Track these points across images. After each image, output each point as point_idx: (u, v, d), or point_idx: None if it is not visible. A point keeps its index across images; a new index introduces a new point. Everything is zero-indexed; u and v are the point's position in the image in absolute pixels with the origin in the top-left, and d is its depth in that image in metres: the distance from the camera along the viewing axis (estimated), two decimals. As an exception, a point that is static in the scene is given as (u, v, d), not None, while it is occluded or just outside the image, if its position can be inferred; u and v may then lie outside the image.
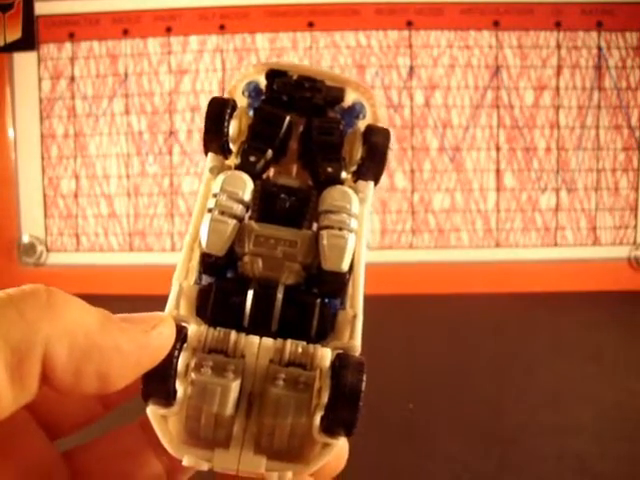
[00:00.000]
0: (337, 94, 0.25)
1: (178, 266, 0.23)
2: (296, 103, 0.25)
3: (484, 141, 0.61)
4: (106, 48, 0.62)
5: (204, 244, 0.23)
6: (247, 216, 0.24)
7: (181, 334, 0.21)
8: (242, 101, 0.26)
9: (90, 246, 0.63)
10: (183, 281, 0.23)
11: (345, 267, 0.22)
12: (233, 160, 0.25)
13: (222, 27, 0.62)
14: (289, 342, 0.22)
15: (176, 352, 0.21)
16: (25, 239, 0.63)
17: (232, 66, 0.62)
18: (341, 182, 0.24)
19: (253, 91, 0.26)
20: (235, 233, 0.23)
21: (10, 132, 0.62)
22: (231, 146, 0.25)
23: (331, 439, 0.21)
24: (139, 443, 0.25)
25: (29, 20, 0.62)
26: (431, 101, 0.61)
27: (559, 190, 0.61)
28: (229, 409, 0.21)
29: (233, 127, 0.25)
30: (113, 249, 0.63)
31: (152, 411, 0.21)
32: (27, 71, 0.62)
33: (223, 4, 0.61)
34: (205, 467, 0.21)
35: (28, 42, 0.62)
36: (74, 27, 0.62)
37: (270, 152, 0.24)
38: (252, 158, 0.24)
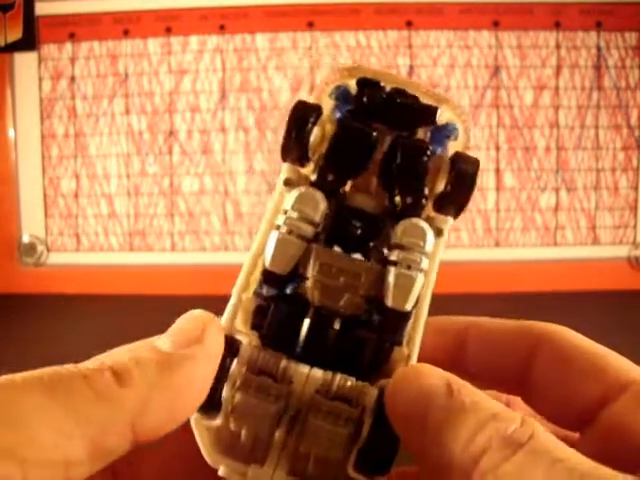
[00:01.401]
0: (431, 113, 0.23)
1: (239, 278, 0.23)
2: (388, 118, 0.23)
3: (484, 141, 0.61)
4: (106, 48, 0.62)
5: (268, 261, 0.22)
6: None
7: (233, 348, 0.21)
8: (327, 104, 0.24)
9: (90, 246, 0.63)
10: (242, 293, 0.23)
11: (409, 307, 0.22)
12: (309, 170, 0.23)
13: (222, 27, 0.62)
14: (338, 377, 0.21)
15: (227, 364, 0.21)
16: (25, 239, 0.63)
17: (232, 66, 0.62)
18: (419, 214, 0.23)
19: (341, 96, 0.24)
20: (300, 254, 0.22)
21: (11, 132, 0.62)
22: (309, 154, 0.23)
23: (364, 477, 0.21)
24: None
25: (30, 20, 0.62)
26: (431, 101, 0.61)
27: (559, 190, 0.62)
28: (267, 431, 0.21)
29: (315, 135, 0.23)
30: (113, 249, 0.63)
31: (196, 420, 0.21)
32: (28, 71, 0.62)
33: (223, 4, 0.62)
34: None
35: (29, 42, 0.62)
36: (74, 27, 0.62)
37: (354, 173, 0.23)
38: (330, 177, 0.23)
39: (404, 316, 0.22)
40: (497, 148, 0.61)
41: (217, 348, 0.21)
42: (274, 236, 0.22)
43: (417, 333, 0.22)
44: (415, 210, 0.23)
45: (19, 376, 0.18)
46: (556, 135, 0.61)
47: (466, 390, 0.20)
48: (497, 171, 0.61)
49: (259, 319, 0.22)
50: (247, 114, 0.62)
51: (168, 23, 0.62)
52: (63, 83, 0.63)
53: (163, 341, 0.20)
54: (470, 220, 0.61)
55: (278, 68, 0.62)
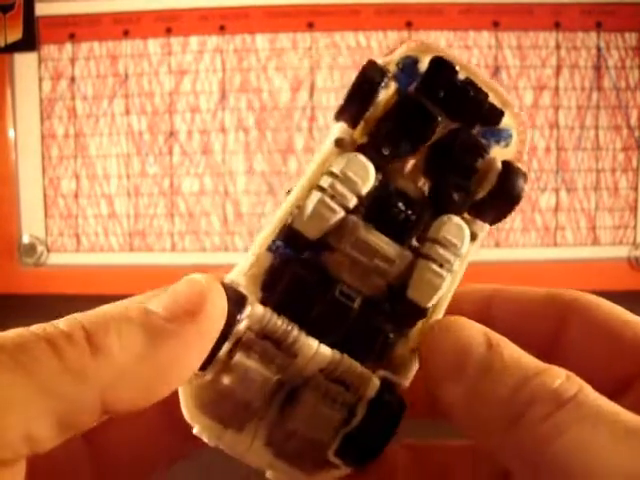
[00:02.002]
0: (496, 116, 0.22)
1: (267, 231, 0.21)
2: (452, 106, 0.22)
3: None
4: (106, 49, 0.62)
5: (299, 221, 0.21)
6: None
7: (240, 303, 0.20)
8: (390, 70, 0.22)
9: (90, 246, 0.63)
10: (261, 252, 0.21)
11: (429, 305, 0.21)
12: (359, 134, 0.22)
13: (222, 28, 0.62)
14: (346, 359, 0.21)
15: (231, 320, 0.20)
16: (25, 239, 0.63)
17: (232, 66, 0.62)
18: (460, 213, 0.22)
19: (408, 67, 0.22)
20: (336, 223, 0.21)
21: (10, 132, 0.62)
22: (364, 116, 0.22)
23: (342, 464, 0.21)
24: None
25: (30, 21, 0.62)
26: (431, 101, 0.61)
27: (559, 190, 0.62)
28: (258, 400, 0.20)
29: (379, 98, 0.21)
30: (113, 249, 0.63)
31: None
32: (28, 72, 0.62)
33: (223, 5, 0.62)
34: (212, 443, 0.21)
35: (29, 43, 0.62)
36: (75, 28, 0.62)
37: (404, 151, 0.22)
38: (385, 151, 0.21)
39: (421, 312, 0.21)
40: (497, 148, 0.61)
41: (215, 326, 0.19)
42: (315, 197, 0.21)
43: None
44: (458, 208, 0.22)
45: None
46: (556, 135, 0.61)
47: (505, 344, 0.19)
48: (497, 171, 0.61)
49: (271, 280, 0.21)
50: (247, 114, 0.62)
51: (168, 23, 0.62)
52: (63, 83, 0.63)
53: (156, 305, 0.18)
54: (470, 220, 0.61)
55: (278, 68, 0.62)
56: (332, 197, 0.21)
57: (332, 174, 0.21)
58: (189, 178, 0.63)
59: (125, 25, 0.62)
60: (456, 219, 0.21)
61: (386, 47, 0.61)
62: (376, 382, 0.21)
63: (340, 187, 0.21)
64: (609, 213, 0.62)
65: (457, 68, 0.22)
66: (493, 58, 0.61)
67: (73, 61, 0.63)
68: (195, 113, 0.62)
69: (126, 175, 0.63)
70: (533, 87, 0.61)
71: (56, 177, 0.63)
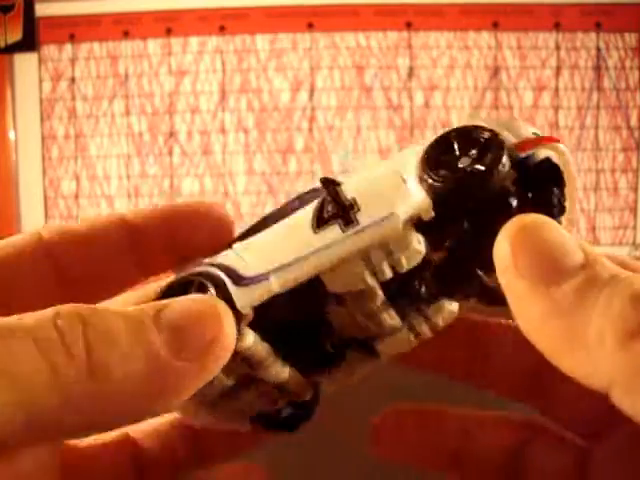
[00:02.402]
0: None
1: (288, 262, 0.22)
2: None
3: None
4: (106, 49, 0.62)
5: (328, 278, 0.22)
6: None
7: (235, 322, 0.20)
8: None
9: (91, 247, 0.63)
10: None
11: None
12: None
13: (222, 28, 0.62)
14: (298, 378, 0.23)
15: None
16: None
17: (232, 67, 0.62)
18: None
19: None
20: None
21: (11, 133, 0.62)
22: None
23: (257, 427, 0.24)
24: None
25: (30, 21, 0.62)
26: (431, 102, 0.61)
27: (558, 190, 0.62)
28: (213, 395, 0.22)
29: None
30: (114, 250, 0.63)
31: None
32: (28, 72, 0.62)
33: (223, 5, 0.62)
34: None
35: (29, 43, 0.62)
36: (74, 28, 0.62)
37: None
38: (447, 242, 0.22)
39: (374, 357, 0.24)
40: (497, 149, 0.61)
41: (220, 364, 0.18)
42: (357, 268, 0.21)
43: None
44: (468, 295, 0.23)
45: None
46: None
47: (601, 258, 0.18)
48: (497, 172, 0.62)
49: (270, 305, 0.21)
50: (247, 115, 0.62)
51: (168, 24, 0.62)
52: (63, 84, 0.63)
53: (164, 337, 0.17)
54: (470, 221, 0.62)
55: (278, 69, 0.62)
56: (373, 273, 0.21)
57: (387, 250, 0.21)
58: (189, 179, 0.63)
59: (125, 26, 0.62)
60: (455, 307, 0.23)
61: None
62: (309, 394, 0.23)
63: (386, 267, 0.21)
64: (609, 213, 0.62)
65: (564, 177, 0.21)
66: (493, 58, 0.61)
67: (73, 62, 0.63)
68: (195, 114, 0.62)
69: (126, 176, 0.63)
70: (533, 87, 0.61)
71: (56, 178, 0.63)
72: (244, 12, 0.62)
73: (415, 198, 0.21)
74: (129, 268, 0.23)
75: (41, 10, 0.62)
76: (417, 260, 0.21)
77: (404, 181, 0.21)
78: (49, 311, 0.16)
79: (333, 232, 0.21)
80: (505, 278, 0.18)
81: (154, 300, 0.20)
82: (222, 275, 0.21)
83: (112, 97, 0.63)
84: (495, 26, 0.61)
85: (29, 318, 0.16)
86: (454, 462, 0.25)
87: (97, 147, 0.63)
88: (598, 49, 0.61)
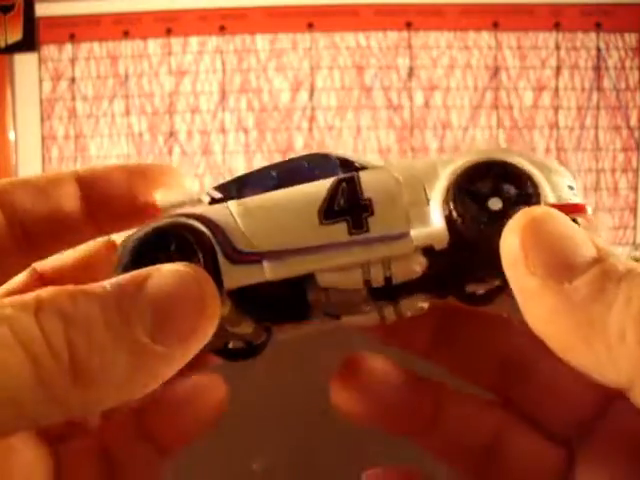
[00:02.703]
0: None
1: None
2: None
3: (484, 142, 0.61)
4: (106, 49, 0.62)
5: (326, 276, 0.22)
6: None
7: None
8: None
9: (91, 247, 0.63)
10: None
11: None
12: None
13: (222, 28, 0.62)
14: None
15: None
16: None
17: (232, 67, 0.62)
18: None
19: None
20: None
21: (11, 133, 0.62)
22: None
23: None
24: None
25: (30, 21, 0.62)
26: (431, 102, 0.61)
27: (558, 190, 0.62)
28: None
29: None
30: (114, 250, 0.63)
31: None
32: (28, 72, 0.62)
33: (223, 5, 0.62)
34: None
35: (29, 43, 0.62)
36: (75, 28, 0.62)
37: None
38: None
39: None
40: (497, 149, 0.61)
41: (201, 344, 0.18)
42: (355, 276, 0.21)
43: None
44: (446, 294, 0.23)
45: None
46: (556, 136, 0.61)
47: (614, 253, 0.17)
48: (497, 172, 0.62)
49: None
50: (247, 115, 0.62)
51: (168, 24, 0.62)
52: (63, 84, 0.63)
53: (147, 314, 0.17)
54: (470, 221, 0.62)
55: (278, 69, 0.62)
56: (366, 280, 0.21)
57: (387, 263, 0.21)
58: (189, 179, 0.63)
59: (125, 25, 0.62)
60: (427, 303, 0.22)
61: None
62: (264, 338, 0.23)
63: (380, 277, 0.21)
64: (609, 213, 0.62)
65: None
66: (493, 58, 0.61)
67: (73, 62, 0.63)
68: (195, 113, 0.62)
69: (126, 176, 0.63)
70: (533, 88, 0.61)
71: (56, 178, 0.63)
72: (244, 12, 0.62)
73: (434, 228, 0.20)
74: (82, 219, 0.22)
75: (41, 10, 0.62)
76: (412, 277, 0.21)
77: (427, 202, 0.20)
78: (30, 301, 0.16)
79: (340, 231, 0.20)
80: (514, 273, 0.17)
81: (117, 256, 0.20)
82: (212, 239, 0.20)
83: (112, 97, 0.63)
84: (495, 26, 0.61)
85: (7, 305, 0.16)
86: (425, 430, 0.24)
87: (97, 147, 0.63)
88: (598, 49, 0.61)
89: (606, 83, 0.61)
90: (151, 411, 0.24)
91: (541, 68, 0.61)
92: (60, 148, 0.63)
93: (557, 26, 0.61)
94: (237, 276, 0.20)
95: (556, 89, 0.61)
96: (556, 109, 0.61)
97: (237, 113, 0.62)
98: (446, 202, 0.20)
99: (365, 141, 0.62)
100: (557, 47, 0.61)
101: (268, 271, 0.20)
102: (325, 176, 0.21)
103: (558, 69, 0.61)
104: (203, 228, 0.20)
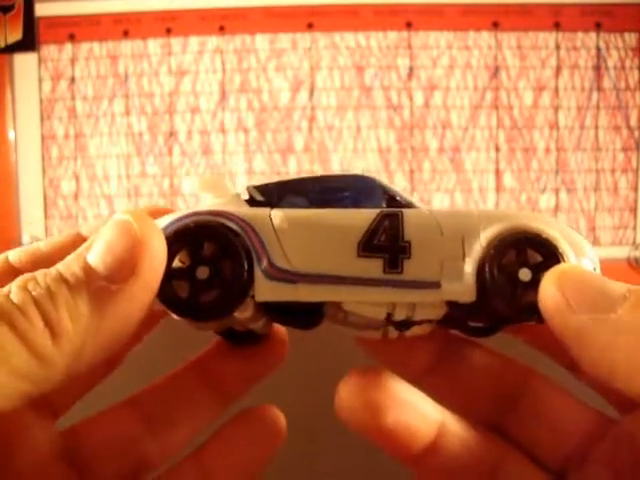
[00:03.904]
0: None
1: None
2: None
3: (483, 142, 0.61)
4: (106, 49, 0.62)
5: (352, 305, 0.23)
6: None
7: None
8: None
9: (90, 247, 0.63)
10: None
11: None
12: None
13: (222, 28, 0.62)
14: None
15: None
16: (25, 239, 0.63)
17: (232, 67, 0.62)
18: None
19: None
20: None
21: (11, 133, 0.62)
22: None
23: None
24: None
25: (30, 21, 0.62)
26: (430, 102, 0.61)
27: (558, 190, 0.62)
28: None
29: None
30: (113, 250, 0.63)
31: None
32: (28, 72, 0.62)
33: (223, 5, 0.62)
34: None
35: (29, 43, 0.62)
36: (74, 28, 0.62)
37: None
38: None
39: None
40: (497, 149, 0.61)
41: (158, 269, 0.19)
42: (379, 313, 0.22)
43: None
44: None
45: None
46: (556, 136, 0.61)
47: None
48: (497, 172, 0.62)
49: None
50: (247, 115, 0.62)
51: (168, 24, 0.62)
52: (63, 84, 0.63)
53: (95, 261, 0.19)
54: (470, 221, 0.61)
55: (278, 69, 0.62)
56: (388, 315, 0.21)
57: (411, 305, 0.21)
58: (189, 179, 0.63)
59: (125, 25, 0.62)
60: (429, 328, 0.24)
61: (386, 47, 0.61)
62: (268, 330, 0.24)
63: (402, 315, 0.22)
64: (609, 213, 0.62)
65: None
66: (493, 58, 0.61)
67: (73, 61, 0.63)
68: (195, 113, 0.62)
69: (126, 176, 0.63)
70: (533, 87, 0.61)
71: (56, 178, 0.63)
72: (244, 12, 0.62)
73: (465, 285, 0.21)
74: None
75: (41, 10, 0.62)
76: (430, 319, 0.22)
77: (463, 257, 0.21)
78: (4, 289, 0.18)
79: (375, 267, 0.21)
80: (559, 318, 0.19)
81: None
82: (251, 248, 0.20)
83: (112, 97, 0.63)
84: (495, 26, 0.61)
85: None
86: (423, 456, 0.24)
87: (97, 147, 0.63)
88: (598, 49, 0.61)
89: (606, 83, 0.61)
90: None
91: (541, 68, 0.61)
92: (60, 148, 0.63)
93: (557, 26, 0.61)
94: (269, 291, 0.20)
95: (556, 89, 0.61)
96: (556, 109, 0.61)
97: (237, 113, 0.62)
98: (481, 264, 0.21)
99: (365, 141, 0.62)
100: (557, 47, 0.61)
101: (300, 293, 0.21)
102: (368, 202, 0.22)
103: (558, 69, 0.61)
104: (243, 234, 0.21)
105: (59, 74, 0.63)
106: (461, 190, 0.61)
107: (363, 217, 0.21)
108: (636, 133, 0.61)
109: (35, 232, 0.63)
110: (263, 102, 0.62)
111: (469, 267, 0.21)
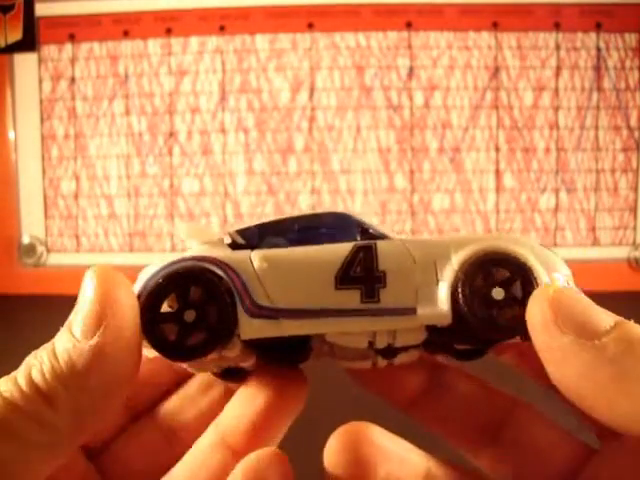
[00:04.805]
0: None
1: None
2: None
3: (483, 142, 0.61)
4: (106, 49, 0.62)
5: (335, 337, 0.24)
6: None
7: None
8: None
9: (90, 247, 0.63)
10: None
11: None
12: None
13: (222, 28, 0.62)
14: None
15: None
16: (25, 240, 0.63)
17: (232, 67, 0.62)
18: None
19: None
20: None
21: (11, 133, 0.62)
22: None
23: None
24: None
25: (30, 21, 0.62)
26: (431, 102, 0.61)
27: (558, 191, 0.62)
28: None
29: None
30: (113, 250, 0.63)
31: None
32: (28, 72, 0.62)
33: (223, 5, 0.62)
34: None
35: (29, 43, 0.62)
36: (74, 28, 0.62)
37: None
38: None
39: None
40: (497, 149, 0.61)
41: (127, 323, 0.21)
42: (360, 343, 0.23)
43: None
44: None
45: None
46: (556, 136, 0.61)
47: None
48: (497, 172, 0.62)
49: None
50: (247, 115, 0.62)
51: (168, 24, 0.62)
52: (63, 84, 0.63)
53: (72, 325, 0.20)
54: (470, 221, 0.61)
55: (278, 69, 0.62)
56: (371, 342, 0.23)
57: (392, 332, 0.23)
58: (189, 178, 0.63)
59: (125, 25, 0.62)
60: (417, 355, 0.24)
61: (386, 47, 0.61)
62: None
63: (384, 342, 0.23)
64: (609, 214, 0.62)
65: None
66: (493, 58, 0.61)
67: (73, 61, 0.63)
68: (195, 114, 0.62)
69: (126, 176, 0.63)
70: (533, 88, 0.61)
71: (56, 178, 0.63)
72: (244, 12, 0.62)
73: (440, 309, 0.22)
74: None
75: (41, 10, 0.62)
76: (412, 344, 0.23)
77: (437, 282, 0.22)
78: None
79: (352, 298, 0.22)
80: (546, 334, 0.20)
81: (137, 290, 0.23)
82: (233, 289, 0.22)
83: (112, 97, 0.63)
84: (495, 26, 0.61)
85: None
86: None
87: (97, 147, 0.63)
88: (598, 49, 0.61)
89: (606, 83, 0.61)
90: None
91: (541, 68, 0.61)
92: (60, 148, 0.63)
93: (557, 26, 0.61)
94: (253, 329, 0.22)
95: (556, 89, 0.61)
96: (556, 109, 0.61)
97: (237, 113, 0.62)
98: (454, 287, 0.22)
99: (365, 141, 0.62)
100: (557, 47, 0.61)
101: (283, 328, 0.22)
102: (344, 237, 0.23)
103: (558, 69, 0.61)
104: (226, 277, 0.22)
105: (59, 74, 0.63)
106: (461, 190, 0.61)
107: (339, 251, 0.22)
108: (636, 133, 0.61)
109: (35, 232, 0.63)
110: (263, 102, 0.62)
111: (443, 291, 0.22)
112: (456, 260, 0.22)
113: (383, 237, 0.23)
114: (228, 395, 0.26)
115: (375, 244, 0.22)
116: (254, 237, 0.23)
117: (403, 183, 0.61)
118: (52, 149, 0.63)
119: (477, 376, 0.27)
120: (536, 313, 0.20)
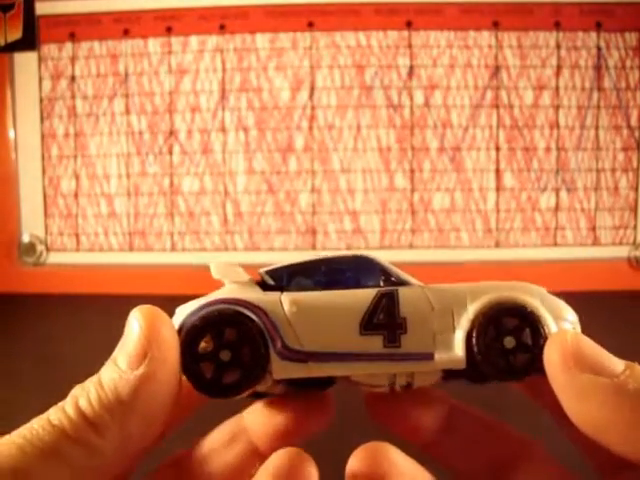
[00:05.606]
0: None
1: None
2: None
3: (484, 141, 0.61)
4: (106, 48, 0.62)
5: (359, 375, 0.26)
6: None
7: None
8: None
9: (90, 246, 0.63)
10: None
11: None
12: None
13: (222, 27, 0.62)
14: None
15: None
16: (25, 238, 0.63)
17: (232, 66, 0.62)
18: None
19: None
20: None
21: (11, 132, 0.62)
22: None
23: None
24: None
25: (30, 20, 0.62)
26: (431, 101, 0.61)
27: (559, 190, 0.62)
28: None
29: None
30: (113, 249, 0.63)
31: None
32: (28, 71, 0.62)
33: (223, 4, 0.62)
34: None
35: (29, 42, 0.62)
36: (75, 27, 0.62)
37: None
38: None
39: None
40: (497, 148, 0.61)
41: (170, 356, 0.22)
42: (381, 382, 0.25)
43: None
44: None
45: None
46: (556, 135, 0.61)
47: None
48: (497, 171, 0.62)
49: None
50: (247, 114, 0.62)
51: (168, 23, 0.62)
52: (63, 83, 0.63)
53: (118, 360, 0.22)
54: (470, 220, 0.61)
55: (278, 68, 0.62)
56: (391, 384, 0.25)
57: (411, 373, 0.25)
58: (189, 177, 0.63)
59: (125, 24, 0.62)
60: (433, 380, 0.26)
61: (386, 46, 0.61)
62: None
63: (403, 382, 0.25)
64: (609, 213, 0.62)
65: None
66: (493, 58, 0.61)
67: (73, 60, 0.63)
68: (195, 113, 0.62)
69: (126, 174, 0.63)
70: (533, 87, 0.61)
71: (56, 176, 0.63)
72: (244, 11, 0.62)
73: (455, 355, 0.24)
74: None
75: (41, 9, 0.62)
76: (429, 384, 0.25)
77: (453, 329, 0.24)
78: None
79: (376, 343, 0.24)
80: (567, 375, 0.22)
81: (177, 328, 0.24)
82: (266, 333, 0.24)
83: (112, 96, 0.63)
84: (495, 25, 0.61)
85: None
86: None
87: (97, 146, 0.63)
88: (598, 48, 0.61)
89: (606, 83, 0.61)
90: None
91: (541, 67, 0.61)
92: (60, 146, 0.63)
93: (557, 25, 0.61)
94: (284, 370, 0.24)
95: (556, 88, 0.61)
96: (556, 108, 0.61)
97: (237, 112, 0.62)
98: (469, 335, 0.24)
99: (365, 140, 0.62)
100: (557, 46, 0.61)
101: (312, 370, 0.24)
102: (368, 280, 0.25)
103: (558, 68, 0.61)
104: (258, 320, 0.24)
105: (59, 73, 0.63)
106: (461, 190, 0.61)
107: (363, 297, 0.24)
108: (636, 133, 0.61)
109: (35, 231, 0.63)
110: (263, 101, 0.62)
111: (459, 338, 0.24)
112: (472, 309, 0.24)
113: (404, 283, 0.25)
114: (253, 449, 0.28)
115: (397, 291, 0.24)
116: (283, 278, 0.25)
117: (403, 182, 0.61)
118: (52, 148, 0.63)
119: (487, 415, 0.29)
120: (555, 355, 0.22)
